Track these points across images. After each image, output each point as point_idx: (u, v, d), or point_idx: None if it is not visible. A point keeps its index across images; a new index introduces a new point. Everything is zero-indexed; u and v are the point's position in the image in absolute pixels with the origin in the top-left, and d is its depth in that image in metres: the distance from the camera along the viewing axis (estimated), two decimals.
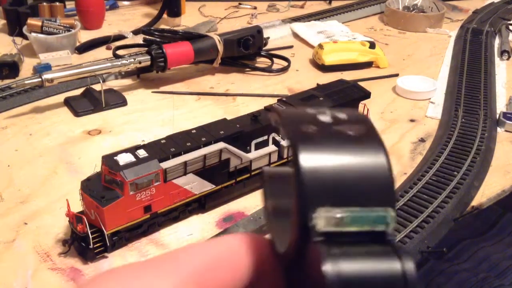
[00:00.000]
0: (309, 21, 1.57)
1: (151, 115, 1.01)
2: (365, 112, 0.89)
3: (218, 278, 0.18)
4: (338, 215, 0.16)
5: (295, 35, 1.48)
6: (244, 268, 0.19)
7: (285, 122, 0.18)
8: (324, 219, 0.16)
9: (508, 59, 1.39)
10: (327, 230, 0.16)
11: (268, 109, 0.80)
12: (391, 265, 0.15)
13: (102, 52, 1.31)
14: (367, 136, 0.17)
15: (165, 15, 1.49)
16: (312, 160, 0.16)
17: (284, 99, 0.83)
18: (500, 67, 1.34)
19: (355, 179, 0.16)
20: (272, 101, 1.07)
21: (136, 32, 1.41)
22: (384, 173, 0.16)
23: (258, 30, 1.22)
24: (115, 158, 0.63)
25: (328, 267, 0.15)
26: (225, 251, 0.19)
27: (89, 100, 1.03)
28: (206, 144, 0.70)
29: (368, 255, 0.16)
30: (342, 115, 0.18)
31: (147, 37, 1.17)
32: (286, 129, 0.17)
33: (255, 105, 1.06)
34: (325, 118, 0.18)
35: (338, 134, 0.17)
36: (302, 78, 1.21)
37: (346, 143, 0.17)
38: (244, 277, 0.19)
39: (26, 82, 0.96)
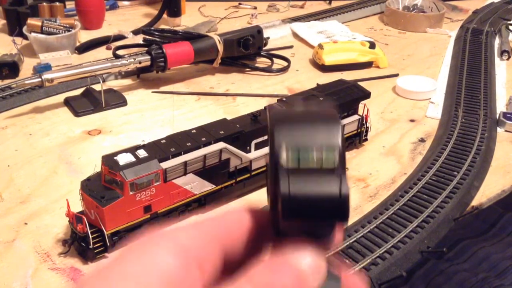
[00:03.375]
0: (309, 21, 1.57)
1: (151, 115, 1.01)
2: (365, 112, 0.89)
3: (227, 231, 0.24)
4: (297, 156, 0.22)
5: (295, 35, 1.48)
6: (247, 225, 0.25)
7: (270, 110, 0.24)
8: (287, 159, 0.22)
9: (508, 59, 1.39)
10: (289, 167, 0.22)
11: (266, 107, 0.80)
12: (332, 187, 0.22)
13: (102, 52, 1.31)
14: (328, 113, 0.24)
15: (165, 15, 1.49)
16: (281, 121, 0.23)
17: (284, 99, 0.83)
18: (500, 67, 1.34)
19: (312, 134, 0.22)
20: (272, 101, 1.07)
21: (136, 32, 1.41)
22: (335, 130, 0.23)
23: (258, 30, 1.22)
24: (115, 158, 0.63)
25: (283, 185, 0.21)
26: (230, 214, 0.25)
27: (89, 100, 1.03)
28: (206, 144, 0.70)
29: (317, 181, 0.22)
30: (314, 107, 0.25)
31: (147, 37, 1.17)
32: (269, 112, 0.24)
33: (255, 105, 1.06)
34: (299, 107, 0.24)
35: (304, 111, 0.24)
36: (302, 78, 1.21)
37: (308, 114, 0.24)
38: (247, 232, 0.25)
39: (26, 82, 0.96)
